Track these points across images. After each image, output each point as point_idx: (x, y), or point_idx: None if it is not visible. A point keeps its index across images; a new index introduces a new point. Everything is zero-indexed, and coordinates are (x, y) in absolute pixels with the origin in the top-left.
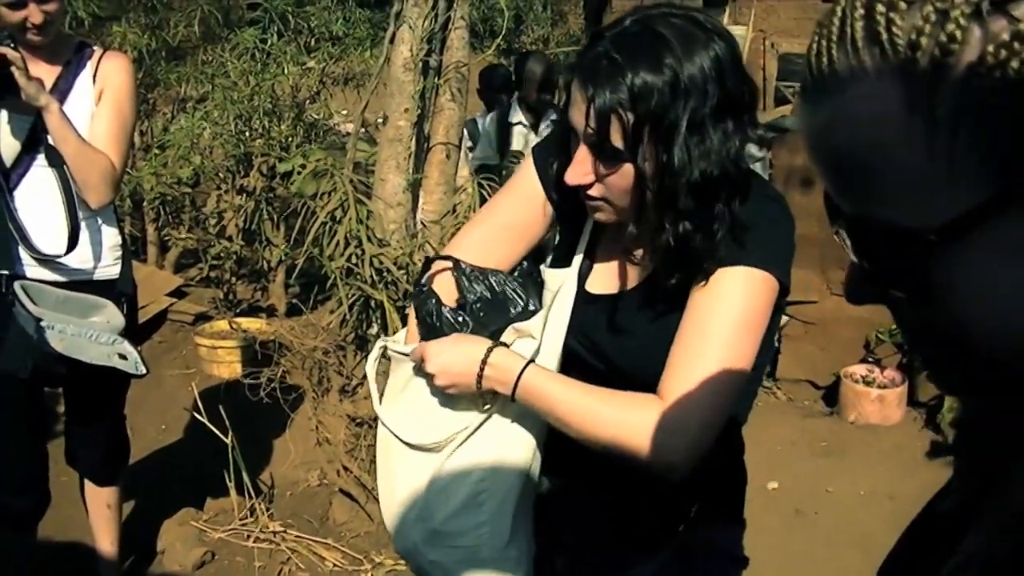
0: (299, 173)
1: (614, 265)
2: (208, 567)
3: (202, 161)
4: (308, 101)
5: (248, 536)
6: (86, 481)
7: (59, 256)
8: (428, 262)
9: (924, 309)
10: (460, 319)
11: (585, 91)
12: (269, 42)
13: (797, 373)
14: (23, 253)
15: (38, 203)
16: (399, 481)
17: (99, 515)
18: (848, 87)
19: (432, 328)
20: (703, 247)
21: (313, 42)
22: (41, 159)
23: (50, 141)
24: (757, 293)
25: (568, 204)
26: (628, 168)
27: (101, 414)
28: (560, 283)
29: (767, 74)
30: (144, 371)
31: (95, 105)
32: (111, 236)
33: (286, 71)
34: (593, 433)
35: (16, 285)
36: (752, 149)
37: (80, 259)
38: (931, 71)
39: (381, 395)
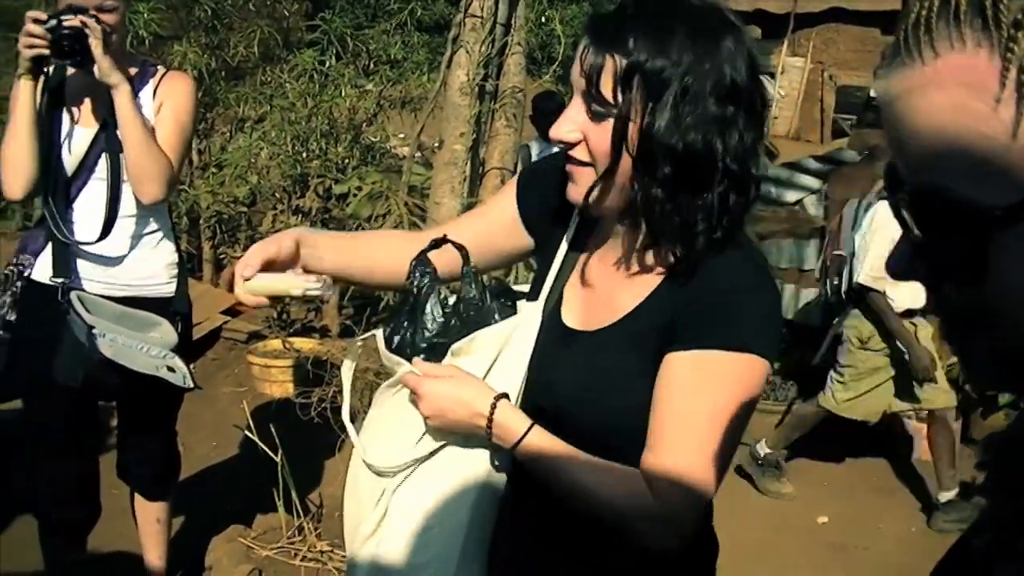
0: (355, 195)
1: (590, 298)
2: None
3: (259, 181)
4: (365, 124)
5: (295, 555)
6: (136, 495)
7: (91, 243)
8: (440, 242)
9: (970, 291)
10: (443, 314)
11: (588, 40)
12: (328, 64)
13: None
14: (82, 266)
15: (93, 216)
16: (364, 505)
17: (148, 529)
18: (943, 54)
19: (409, 302)
20: (672, 224)
21: (371, 65)
22: (99, 172)
23: (116, 132)
24: (750, 380)
25: (546, 229)
26: (610, 125)
27: (153, 429)
28: (527, 316)
29: (825, 106)
30: (191, 384)
31: (154, 120)
32: (168, 253)
33: (344, 93)
34: (585, 508)
35: (72, 295)
36: (808, 180)
37: (137, 275)
38: None
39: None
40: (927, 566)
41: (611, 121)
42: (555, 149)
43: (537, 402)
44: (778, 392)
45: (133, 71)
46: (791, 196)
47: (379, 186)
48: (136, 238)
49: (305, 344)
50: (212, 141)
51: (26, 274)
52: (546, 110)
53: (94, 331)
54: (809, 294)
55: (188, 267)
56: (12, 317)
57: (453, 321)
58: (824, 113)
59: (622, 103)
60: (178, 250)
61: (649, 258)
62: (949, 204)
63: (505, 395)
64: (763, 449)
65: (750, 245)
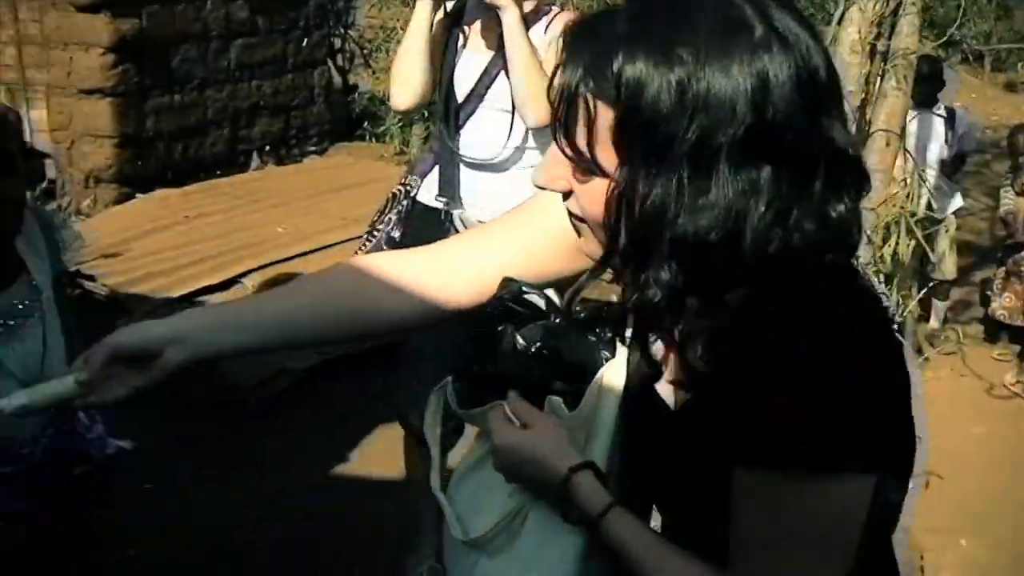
0: None
1: (670, 352)
2: None
3: None
4: None
5: None
6: None
7: (491, 159)
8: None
9: None
10: (519, 357)
11: (565, 55)
12: None
13: None
14: (466, 191)
15: (479, 144)
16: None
17: None
18: None
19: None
20: (678, 326)
21: None
22: (488, 101)
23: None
24: (829, 508)
25: None
26: (600, 185)
27: None
28: (618, 363)
29: None
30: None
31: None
32: None
33: None
34: None
35: (455, 215)
36: None
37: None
38: None
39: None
40: None
41: (597, 181)
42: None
43: (626, 475)
44: None
45: (528, 6)
46: None
47: None
48: (522, 170)
49: None
50: None
51: (412, 194)
52: (918, 74)
53: None
54: None
55: None
56: (397, 234)
57: (532, 367)
58: None
59: (618, 167)
60: None
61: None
62: None
63: (588, 464)
64: None
65: (838, 294)
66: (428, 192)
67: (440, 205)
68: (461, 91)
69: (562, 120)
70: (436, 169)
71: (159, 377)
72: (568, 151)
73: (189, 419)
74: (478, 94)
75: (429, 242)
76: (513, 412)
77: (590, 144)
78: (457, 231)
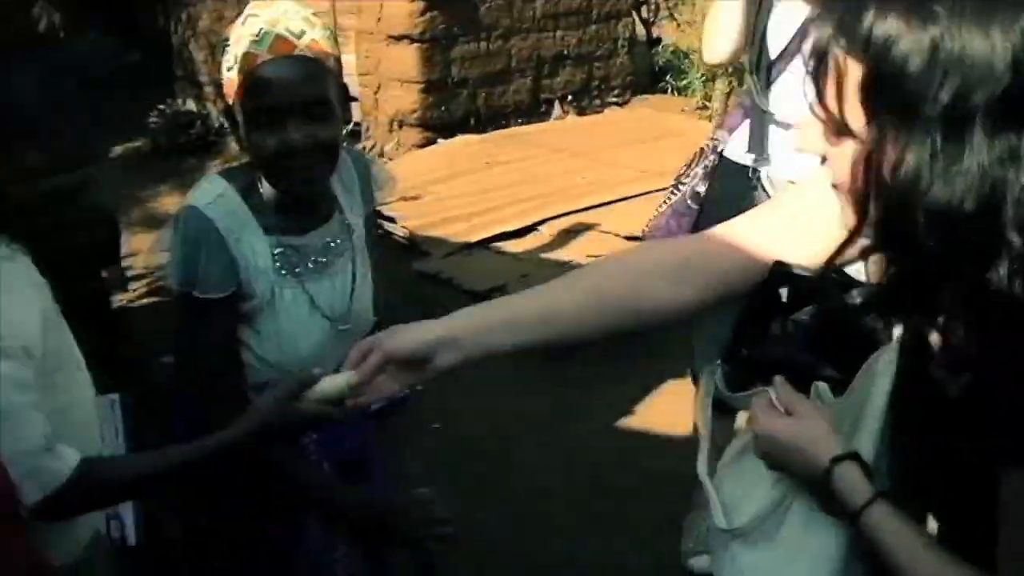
0: None
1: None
2: None
3: None
4: None
5: None
6: None
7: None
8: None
9: None
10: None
11: (817, 9)
12: None
13: None
14: (775, 149)
15: (790, 103)
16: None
17: None
18: None
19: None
20: (955, 308)
21: None
22: (794, 66)
23: None
24: None
25: None
26: (851, 149)
27: None
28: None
29: None
30: None
31: None
32: None
33: None
34: None
35: (762, 172)
36: None
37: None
38: None
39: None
40: None
41: (849, 144)
42: None
43: (895, 467)
44: None
45: None
46: None
47: None
48: None
49: None
50: None
51: (719, 149)
52: None
53: None
54: None
55: None
56: (701, 189)
57: (800, 352)
58: None
59: (866, 127)
60: None
61: None
62: None
63: (852, 455)
64: None
65: None
66: (736, 148)
67: (748, 162)
68: (774, 47)
69: (814, 78)
70: (745, 125)
71: (429, 377)
72: (818, 111)
73: (479, 365)
74: (791, 51)
75: (734, 198)
76: (778, 399)
77: (839, 103)
78: (764, 189)
